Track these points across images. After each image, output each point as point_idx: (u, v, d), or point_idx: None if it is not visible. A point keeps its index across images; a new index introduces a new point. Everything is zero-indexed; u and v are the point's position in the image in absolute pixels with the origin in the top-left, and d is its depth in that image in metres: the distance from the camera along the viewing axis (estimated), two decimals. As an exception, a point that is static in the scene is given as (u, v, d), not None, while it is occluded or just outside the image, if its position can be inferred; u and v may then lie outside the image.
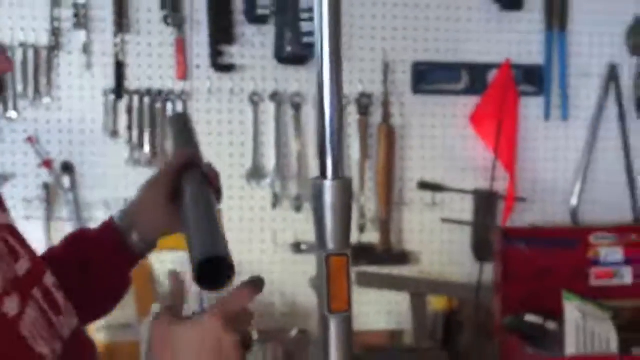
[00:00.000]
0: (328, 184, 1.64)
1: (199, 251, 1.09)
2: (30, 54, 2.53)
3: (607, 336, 2.06)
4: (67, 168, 2.57)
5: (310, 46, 2.43)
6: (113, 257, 1.24)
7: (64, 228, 2.55)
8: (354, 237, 2.63)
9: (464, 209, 2.69)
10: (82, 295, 1.18)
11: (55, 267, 1.19)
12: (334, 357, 1.59)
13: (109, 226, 1.24)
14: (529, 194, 2.75)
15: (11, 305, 0.96)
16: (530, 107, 2.76)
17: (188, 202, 1.19)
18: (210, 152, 2.62)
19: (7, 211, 1.12)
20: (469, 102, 2.70)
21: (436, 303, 2.52)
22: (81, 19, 2.54)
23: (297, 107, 2.64)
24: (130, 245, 1.24)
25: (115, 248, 1.23)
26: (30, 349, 0.96)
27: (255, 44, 2.64)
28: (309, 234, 2.65)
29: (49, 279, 1.09)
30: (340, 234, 1.63)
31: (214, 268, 1.07)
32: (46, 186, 2.54)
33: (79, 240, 1.26)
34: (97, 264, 1.23)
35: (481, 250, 2.63)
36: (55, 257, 1.25)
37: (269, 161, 2.64)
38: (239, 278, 1.15)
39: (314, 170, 2.61)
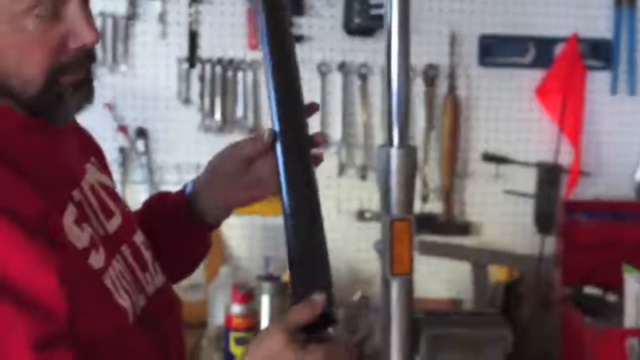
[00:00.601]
0: (394, 151, 1.70)
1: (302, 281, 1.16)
2: (109, 22, 2.62)
3: (668, 309, 2.08)
4: (142, 133, 2.67)
5: (378, 18, 2.47)
6: (188, 226, 1.26)
7: (139, 190, 2.66)
8: (417, 206, 2.68)
9: (528, 181, 2.71)
10: (162, 258, 1.24)
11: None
12: (395, 318, 1.66)
13: (183, 195, 1.26)
14: (594, 168, 2.75)
15: (97, 259, 1.02)
16: (597, 82, 2.75)
17: (285, 185, 1.22)
18: (279, 120, 2.69)
19: (109, 173, 1.19)
20: (535, 76, 2.72)
21: (497, 274, 2.55)
22: (157, -11, 2.63)
23: (363, 78, 2.69)
24: (204, 214, 1.25)
25: (190, 217, 1.25)
26: (112, 300, 1.03)
27: (324, 16, 2.69)
28: (373, 203, 2.70)
29: (138, 237, 1.16)
30: (404, 200, 1.69)
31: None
32: (122, 150, 2.65)
33: (157, 206, 1.29)
34: (173, 232, 1.26)
35: (543, 222, 2.66)
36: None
37: (336, 130, 2.70)
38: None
39: (379, 139, 2.66)
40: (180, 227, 1.26)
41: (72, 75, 1.00)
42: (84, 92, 1.03)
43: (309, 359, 1.01)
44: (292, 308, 1.08)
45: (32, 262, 0.91)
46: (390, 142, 1.69)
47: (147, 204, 1.32)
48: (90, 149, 1.18)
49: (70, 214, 1.01)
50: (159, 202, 1.30)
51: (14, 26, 0.95)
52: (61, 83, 1.00)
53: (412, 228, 1.66)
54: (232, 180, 1.22)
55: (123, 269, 1.08)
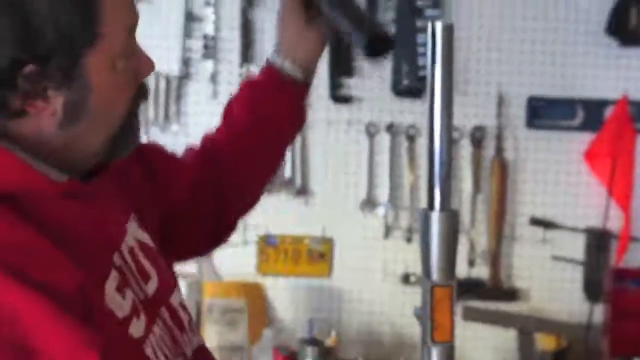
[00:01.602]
0: (435, 215, 1.69)
1: (366, 30, 1.24)
2: (162, 82, 2.68)
3: None
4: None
5: (426, 79, 2.49)
6: (279, 95, 1.33)
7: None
8: (464, 270, 2.66)
9: (576, 247, 2.67)
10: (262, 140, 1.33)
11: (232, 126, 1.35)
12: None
13: (266, 68, 1.34)
14: (646, 233, 2.70)
15: (138, 327, 1.03)
16: (648, 145, 2.72)
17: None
18: (326, 181, 2.71)
19: (148, 229, 1.20)
20: (584, 139, 2.69)
21: (544, 342, 2.50)
22: (210, 50, 2.68)
23: (411, 139, 2.70)
24: (289, 77, 1.33)
25: (277, 86, 1.33)
26: None
27: (372, 77, 2.71)
28: (418, 266, 2.66)
29: (175, 298, 1.17)
30: (446, 265, 1.68)
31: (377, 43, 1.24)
32: (170, 207, 2.68)
33: (250, 92, 1.37)
34: (268, 107, 1.33)
35: (592, 289, 2.60)
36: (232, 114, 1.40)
37: (383, 192, 2.70)
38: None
39: (425, 202, 2.64)
40: (272, 97, 1.32)
41: (139, 108, 1.09)
42: (139, 128, 1.10)
43: None
44: None
45: (75, 345, 0.91)
46: (431, 206, 1.69)
47: (242, 93, 1.40)
48: (133, 200, 1.19)
49: (112, 281, 1.02)
50: (250, 85, 1.38)
51: (111, 71, 1.02)
52: (133, 117, 1.07)
53: (454, 294, 1.64)
54: (296, 25, 1.30)
55: (163, 333, 1.09)
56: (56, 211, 1.00)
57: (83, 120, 1.01)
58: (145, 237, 1.17)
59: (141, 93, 1.09)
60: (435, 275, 1.66)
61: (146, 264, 1.13)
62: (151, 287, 1.12)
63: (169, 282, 1.18)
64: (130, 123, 1.06)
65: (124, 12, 1.03)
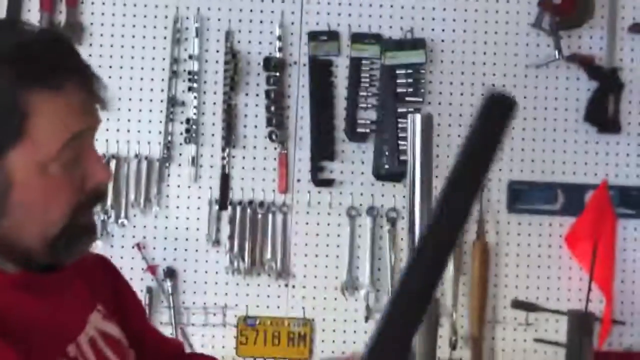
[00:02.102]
0: (416, 298, 1.68)
1: None
2: (144, 165, 2.69)
3: None
4: (170, 274, 2.69)
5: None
6: None
7: (164, 331, 2.65)
8: (446, 353, 2.64)
9: (559, 329, 2.67)
10: None
11: None
12: None
13: None
14: (627, 317, 2.70)
15: None
16: (628, 229, 2.74)
17: None
18: (307, 263, 2.70)
19: (112, 320, 1.19)
20: (565, 222, 2.71)
21: None
22: (192, 134, 2.70)
23: (392, 222, 2.71)
24: None
25: None
26: None
27: (354, 160, 2.74)
28: (400, 348, 2.66)
29: None
30: (427, 350, 1.68)
31: None
32: (149, 290, 2.66)
33: None
34: None
35: (576, 373, 2.59)
36: None
37: (364, 274, 2.69)
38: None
39: (407, 284, 2.64)
40: None
41: (87, 216, 1.06)
42: (91, 235, 1.08)
43: None
44: None
45: None
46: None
47: None
48: (100, 293, 1.18)
49: None
50: None
51: (40, 173, 0.99)
52: (79, 223, 1.04)
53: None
54: None
55: None
56: (4, 302, 0.99)
57: (9, 214, 1.00)
58: (111, 328, 1.16)
59: (91, 200, 1.06)
60: (417, 358, 1.66)
61: (109, 353, 1.12)
62: None
63: None
64: (73, 229, 1.04)
65: (67, 117, 1.00)
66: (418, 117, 1.56)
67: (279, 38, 2.70)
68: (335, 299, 2.69)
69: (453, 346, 2.66)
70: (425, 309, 1.10)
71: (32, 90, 0.97)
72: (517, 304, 2.68)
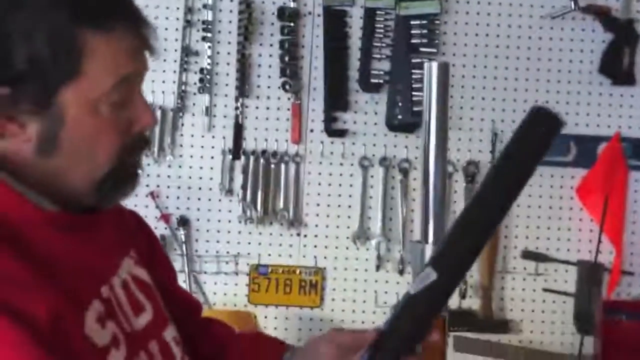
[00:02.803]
0: (429, 248, 1.70)
1: None
2: (158, 114, 2.70)
3: None
4: (183, 222, 2.72)
5: (421, 114, 2.51)
6: None
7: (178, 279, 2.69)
8: (455, 302, 2.67)
9: (568, 280, 2.69)
10: None
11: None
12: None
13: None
14: (637, 267, 2.72)
15: (117, 357, 1.03)
16: (640, 181, 2.75)
17: None
18: (319, 212, 2.72)
19: (144, 266, 1.20)
20: (577, 174, 2.72)
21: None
22: (206, 84, 2.71)
23: (405, 173, 2.72)
24: None
25: None
26: None
27: (367, 111, 2.74)
28: (411, 297, 2.69)
29: (169, 334, 1.17)
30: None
31: None
32: (163, 238, 2.69)
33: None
34: None
35: (583, 322, 2.61)
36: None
37: (375, 224, 2.72)
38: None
39: (418, 234, 2.66)
40: None
41: (133, 160, 1.08)
42: (136, 179, 1.10)
43: None
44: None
45: None
46: (425, 239, 1.70)
47: (240, 342, 1.35)
48: (133, 241, 1.21)
49: (93, 311, 1.02)
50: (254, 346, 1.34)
51: (91, 112, 1.01)
52: (125, 165, 1.06)
53: (446, 324, 1.65)
54: None
55: None
56: (43, 240, 1.00)
57: (58, 153, 1.01)
58: (142, 273, 1.18)
59: (137, 144, 1.08)
60: (428, 305, 1.67)
61: (141, 297, 1.14)
62: (143, 319, 1.12)
63: (164, 317, 1.19)
64: (120, 171, 1.05)
65: (118, 59, 1.02)
66: (434, 65, 1.55)
67: (293, -13, 2.70)
68: (347, 248, 2.72)
69: (463, 295, 2.69)
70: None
71: (87, 29, 0.99)
72: (527, 255, 2.70)
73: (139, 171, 1.11)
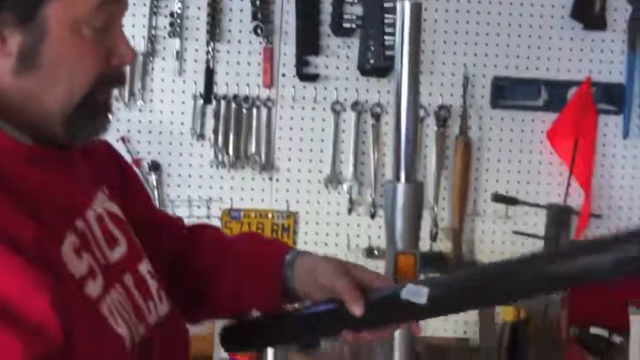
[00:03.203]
0: (400, 186, 1.73)
1: None
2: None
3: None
4: (155, 167, 2.71)
5: (393, 59, 2.51)
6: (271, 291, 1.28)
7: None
8: (426, 244, 2.70)
9: (537, 223, 2.73)
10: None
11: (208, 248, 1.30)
12: (397, 352, 1.67)
13: (279, 261, 1.29)
14: (605, 210, 2.76)
15: (94, 287, 1.04)
16: (609, 125, 2.77)
17: None
18: (291, 157, 2.73)
19: (116, 201, 1.20)
20: (547, 118, 2.74)
21: (504, 313, 2.55)
22: (176, 28, 2.68)
23: (377, 117, 2.72)
24: (284, 289, 1.28)
25: (278, 287, 1.28)
26: (108, 328, 1.04)
27: (339, 55, 2.73)
28: (382, 240, 2.71)
29: (144, 267, 1.17)
30: (410, 234, 1.72)
31: None
32: (135, 183, 2.68)
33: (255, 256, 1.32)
34: (248, 280, 1.29)
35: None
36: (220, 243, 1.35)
37: (347, 168, 2.73)
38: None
39: (389, 178, 2.67)
40: (264, 287, 1.28)
41: (104, 95, 1.07)
42: (107, 116, 1.09)
43: None
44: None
45: (27, 286, 0.92)
46: (397, 178, 1.72)
47: (243, 244, 1.36)
48: (104, 176, 1.20)
49: (69, 243, 1.02)
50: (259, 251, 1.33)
51: (74, 32, 1.01)
52: (96, 100, 1.05)
53: (417, 262, 1.67)
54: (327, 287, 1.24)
55: (122, 298, 1.09)
56: (18, 173, 1.00)
57: (37, 71, 1.00)
58: (115, 209, 1.18)
59: (113, 78, 1.07)
60: (399, 243, 1.70)
61: (115, 231, 1.14)
62: (117, 252, 1.13)
63: (138, 251, 1.19)
64: (92, 104, 1.04)
65: None
66: (407, 4, 1.55)
67: None
68: (319, 192, 2.73)
69: (434, 238, 2.72)
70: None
71: None
72: (498, 198, 2.73)
73: (110, 110, 1.10)
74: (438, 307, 1.20)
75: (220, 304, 1.32)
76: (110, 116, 1.10)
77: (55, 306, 0.93)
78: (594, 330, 2.33)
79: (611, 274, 1.05)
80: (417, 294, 1.17)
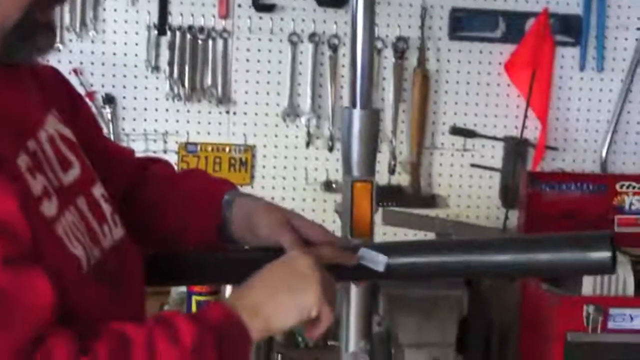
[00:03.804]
0: (356, 112, 1.71)
1: None
2: (78, -13, 2.60)
3: (625, 279, 2.10)
4: (109, 100, 2.65)
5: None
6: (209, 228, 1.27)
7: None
8: (384, 178, 2.70)
9: (495, 155, 2.74)
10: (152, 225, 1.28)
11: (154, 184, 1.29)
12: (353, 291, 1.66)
13: (218, 205, 1.27)
14: (560, 143, 2.78)
15: (49, 207, 1.02)
16: (566, 57, 2.77)
17: None
18: (249, 90, 2.69)
19: (67, 124, 1.17)
20: (505, 50, 2.73)
21: (462, 245, 2.57)
22: (129, -44, 2.61)
23: (334, 49, 2.69)
24: (222, 230, 1.26)
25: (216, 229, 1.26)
26: (64, 248, 1.02)
27: (296, -15, 2.69)
28: (340, 174, 2.70)
29: (98, 191, 1.15)
30: (366, 161, 1.71)
31: None
32: (89, 116, 2.63)
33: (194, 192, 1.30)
34: (194, 224, 1.28)
35: (508, 196, 2.68)
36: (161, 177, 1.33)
37: (305, 101, 2.70)
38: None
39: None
40: (202, 224, 1.27)
41: (45, 14, 1.03)
42: (49, 35, 1.06)
43: (325, 287, 1.08)
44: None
45: None
46: (353, 104, 1.70)
47: (187, 178, 1.34)
48: (54, 99, 1.17)
49: (22, 162, 1.00)
50: (197, 187, 1.31)
51: None
52: (35, 19, 1.02)
53: (373, 190, 1.67)
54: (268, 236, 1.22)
55: (77, 221, 1.07)
56: None
57: None
58: (67, 131, 1.15)
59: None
60: (355, 171, 1.69)
61: (68, 153, 1.12)
62: (71, 175, 1.11)
63: (91, 174, 1.17)
64: (30, 23, 1.01)
65: None
66: None
67: None
68: (277, 125, 2.71)
69: (392, 171, 2.71)
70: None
71: None
72: (456, 131, 2.73)
73: (53, 29, 1.07)
74: (392, 274, 1.21)
75: (164, 238, 1.31)
76: (55, 34, 1.08)
77: (23, 211, 0.93)
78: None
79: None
80: (375, 261, 1.18)
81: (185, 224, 1.28)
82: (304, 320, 1.09)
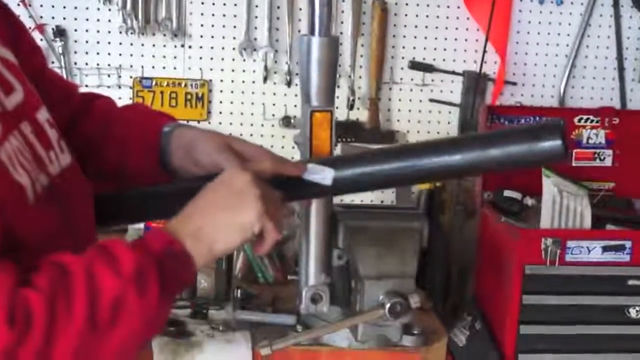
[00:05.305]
0: (315, 40, 1.66)
1: None
2: None
3: (582, 212, 2.12)
4: (60, 33, 2.57)
5: None
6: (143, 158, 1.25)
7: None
8: (343, 113, 2.67)
9: (454, 90, 2.72)
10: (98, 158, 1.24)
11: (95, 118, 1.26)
12: (314, 211, 1.65)
13: (157, 135, 1.25)
14: (519, 77, 2.77)
15: None
16: (526, -9, 2.75)
17: None
18: (205, 23, 2.63)
19: (8, 47, 1.12)
20: (465, -18, 2.70)
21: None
22: None
23: (292, -19, 2.63)
24: (162, 161, 1.24)
25: (149, 156, 1.24)
26: (8, 175, 0.99)
27: None
28: (299, 109, 2.67)
29: (42, 115, 1.11)
30: (325, 90, 1.67)
31: None
32: (39, 50, 2.55)
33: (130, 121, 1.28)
34: (134, 157, 1.25)
35: (467, 130, 2.67)
36: (102, 111, 1.29)
37: (262, 34, 2.64)
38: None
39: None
40: (143, 156, 1.25)
41: None
42: None
43: (267, 202, 1.05)
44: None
45: None
46: (311, 31, 1.65)
47: (126, 111, 1.31)
48: None
49: None
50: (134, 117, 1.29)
51: None
52: None
53: (333, 120, 1.63)
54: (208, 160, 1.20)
55: (21, 146, 1.03)
56: None
57: None
58: (7, 54, 1.10)
59: None
60: (314, 100, 1.65)
61: (9, 77, 1.07)
62: (14, 99, 1.06)
63: (35, 98, 1.12)
64: None
65: None
66: None
67: None
68: (233, 59, 2.65)
69: (351, 107, 2.68)
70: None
71: None
72: (415, 65, 2.70)
73: None
74: (341, 188, 1.20)
75: (106, 172, 1.28)
76: None
77: None
78: (507, 193, 2.37)
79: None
80: (322, 176, 1.16)
81: (122, 159, 1.26)
82: (248, 238, 1.06)
